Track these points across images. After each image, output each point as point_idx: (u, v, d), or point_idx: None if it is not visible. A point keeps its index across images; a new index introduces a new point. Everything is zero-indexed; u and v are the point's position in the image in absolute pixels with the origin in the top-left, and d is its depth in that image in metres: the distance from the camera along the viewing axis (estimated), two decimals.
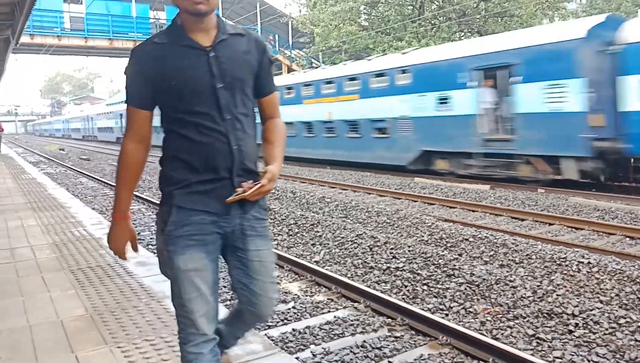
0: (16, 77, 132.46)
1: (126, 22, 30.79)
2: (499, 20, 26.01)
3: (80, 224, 6.21)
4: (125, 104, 1.89)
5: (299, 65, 34.26)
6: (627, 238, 7.55)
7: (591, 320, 4.33)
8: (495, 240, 6.86)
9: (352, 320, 4.75)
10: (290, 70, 32.36)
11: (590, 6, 31.48)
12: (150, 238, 8.04)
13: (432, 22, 27.33)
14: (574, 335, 4.20)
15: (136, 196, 12.42)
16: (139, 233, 8.43)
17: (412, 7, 27.99)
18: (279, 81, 22.19)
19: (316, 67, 28.89)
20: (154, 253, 6.48)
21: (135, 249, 1.97)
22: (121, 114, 38.46)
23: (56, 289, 3.58)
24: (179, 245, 1.80)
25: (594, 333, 4.16)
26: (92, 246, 4.94)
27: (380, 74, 16.18)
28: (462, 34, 27.50)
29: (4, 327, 2.93)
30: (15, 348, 2.65)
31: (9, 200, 8.63)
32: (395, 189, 12.54)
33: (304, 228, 8.31)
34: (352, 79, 17.29)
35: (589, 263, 5.73)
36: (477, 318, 4.75)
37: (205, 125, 1.77)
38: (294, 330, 4.57)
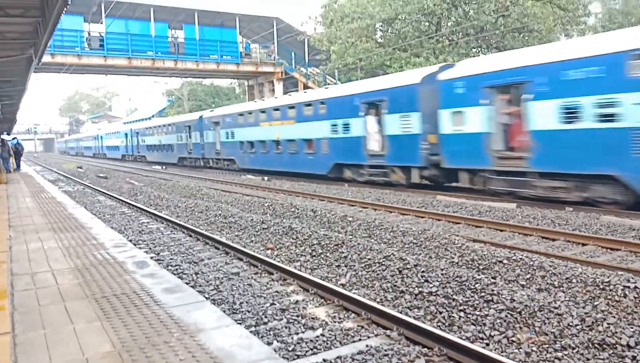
0: (36, 96, 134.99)
1: (145, 40, 31.19)
2: (518, 36, 25.77)
3: (102, 246, 6.04)
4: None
5: (315, 82, 34.30)
6: None
7: None
8: (531, 262, 6.54)
9: (385, 350, 4.48)
10: (306, 87, 32.38)
11: (609, 21, 31.13)
12: (170, 259, 7.85)
13: (450, 38, 27.17)
14: None
15: (154, 214, 12.30)
16: (157, 253, 8.27)
17: (429, 24, 27.90)
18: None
19: (331, 84, 28.93)
20: (181, 278, 6.29)
21: None
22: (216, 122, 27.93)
23: (80, 320, 3.37)
24: None
25: None
26: (116, 271, 4.74)
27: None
28: (480, 49, 27.30)
29: None
30: None
31: (29, 220, 8.52)
32: (418, 207, 12.25)
33: (328, 248, 8.06)
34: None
35: (636, 287, 5.39)
36: (521, 348, 4.45)
37: None
38: (324, 360, 4.32)
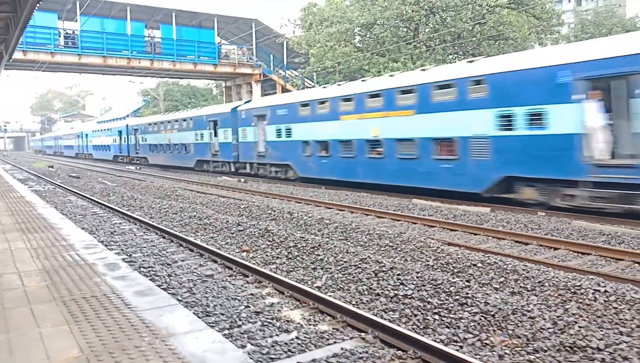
0: (6, 93, 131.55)
1: (121, 39, 30.67)
2: (493, 43, 26.21)
3: (72, 247, 5.88)
4: None
5: (294, 85, 34.26)
6: (637, 264, 7.34)
7: (619, 355, 4.07)
8: (504, 266, 6.62)
9: (360, 353, 4.46)
10: (284, 90, 32.32)
11: (582, 31, 31.94)
12: (142, 260, 7.71)
13: (427, 44, 27.47)
14: None
15: (127, 215, 12.08)
16: (130, 255, 8.10)
17: (407, 30, 28.16)
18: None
19: (310, 87, 28.82)
20: (153, 280, 6.17)
21: None
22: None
23: (47, 324, 3.25)
24: None
25: None
26: (86, 273, 4.61)
27: None
28: (457, 56, 27.67)
29: None
30: None
31: None
32: (394, 210, 12.31)
33: (304, 251, 8.02)
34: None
35: (606, 291, 5.50)
36: (494, 351, 4.48)
37: None
38: None
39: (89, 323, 3.27)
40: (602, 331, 4.49)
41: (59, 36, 29.20)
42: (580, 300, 5.50)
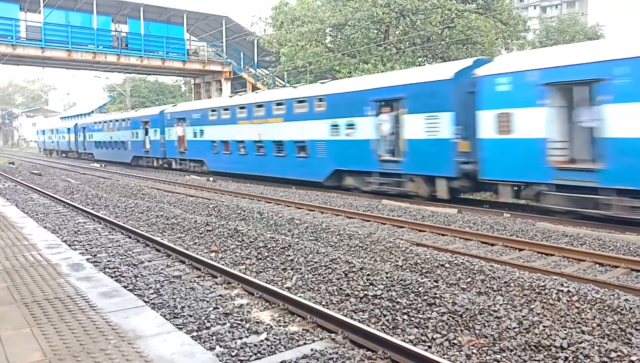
0: None
1: (86, 33, 29.85)
2: (462, 47, 26.66)
3: (34, 247, 5.68)
4: None
5: (264, 84, 34.09)
6: (597, 265, 7.59)
7: (581, 353, 4.19)
8: (472, 266, 6.72)
9: (330, 353, 4.46)
10: (254, 88, 32.11)
11: (546, 37, 32.83)
12: (108, 261, 7.52)
13: (397, 46, 27.74)
14: None
15: (91, 214, 11.78)
16: (94, 255, 7.90)
17: (377, 31, 28.36)
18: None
19: (280, 86, 28.70)
20: (119, 281, 6.02)
21: None
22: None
23: (7, 327, 3.11)
24: None
25: None
26: (49, 274, 4.45)
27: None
28: (426, 59, 28.04)
29: None
30: None
31: None
32: (364, 211, 12.38)
33: (274, 251, 7.98)
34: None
35: (569, 291, 5.65)
36: (462, 350, 4.55)
37: None
38: None
39: (52, 325, 3.15)
40: (565, 330, 4.62)
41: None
42: (544, 300, 5.64)
